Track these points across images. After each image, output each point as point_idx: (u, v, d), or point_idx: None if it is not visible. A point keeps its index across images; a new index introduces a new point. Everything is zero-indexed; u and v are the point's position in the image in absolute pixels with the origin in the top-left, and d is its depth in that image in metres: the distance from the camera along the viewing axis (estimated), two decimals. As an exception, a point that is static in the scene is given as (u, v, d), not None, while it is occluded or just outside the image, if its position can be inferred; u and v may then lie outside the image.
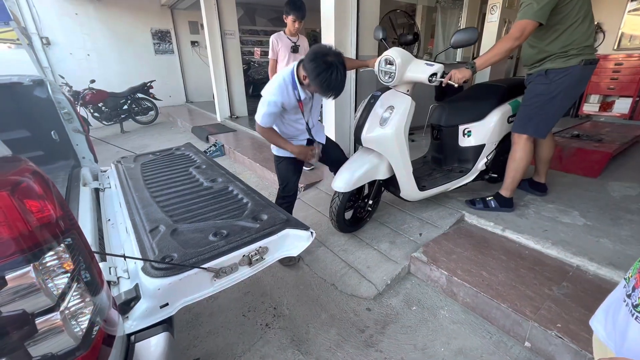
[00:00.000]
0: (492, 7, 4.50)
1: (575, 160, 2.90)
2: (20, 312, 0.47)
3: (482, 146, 2.15)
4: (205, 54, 7.59)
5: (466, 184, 2.24)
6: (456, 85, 1.74)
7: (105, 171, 1.85)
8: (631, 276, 0.78)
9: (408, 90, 1.87)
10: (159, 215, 1.14)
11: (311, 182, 3.03)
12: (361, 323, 1.61)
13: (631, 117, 4.82)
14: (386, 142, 1.84)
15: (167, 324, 0.79)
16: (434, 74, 1.71)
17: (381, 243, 2.10)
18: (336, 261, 2.03)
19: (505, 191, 2.07)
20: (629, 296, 0.80)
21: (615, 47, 5.17)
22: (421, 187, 2.06)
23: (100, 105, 6.06)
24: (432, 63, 1.75)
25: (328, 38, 2.83)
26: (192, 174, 1.55)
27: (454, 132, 2.22)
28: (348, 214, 2.14)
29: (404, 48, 4.31)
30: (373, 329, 1.57)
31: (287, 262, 2.03)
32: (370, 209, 2.18)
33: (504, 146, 2.25)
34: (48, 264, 0.50)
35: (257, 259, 0.96)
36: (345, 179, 1.87)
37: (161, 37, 8.38)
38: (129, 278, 0.92)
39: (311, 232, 1.04)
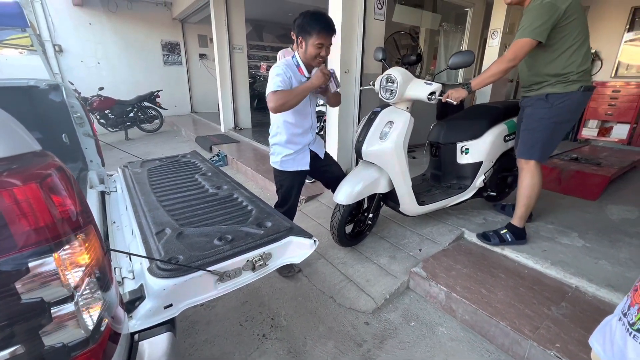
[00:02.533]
0: (493, 33, 4.65)
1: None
2: (39, 300, 0.49)
3: (479, 163, 2.20)
4: (213, 66, 7.77)
5: (465, 200, 2.27)
6: (455, 103, 1.81)
7: (111, 175, 1.88)
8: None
9: (407, 108, 1.95)
10: (165, 218, 1.16)
11: (312, 195, 3.05)
12: (359, 337, 1.60)
13: (629, 142, 4.89)
14: (386, 155, 1.89)
15: (170, 325, 0.80)
16: (433, 93, 1.79)
17: (381, 257, 2.11)
18: (335, 274, 2.03)
19: (518, 220, 2.01)
20: (625, 315, 0.81)
21: (613, 75, 5.31)
22: (420, 202, 2.09)
23: (107, 112, 6.16)
24: (431, 82, 1.83)
25: (335, 57, 2.92)
26: (197, 181, 1.58)
27: (452, 150, 2.27)
28: (348, 228, 2.16)
29: (407, 68, 4.42)
30: (371, 343, 1.56)
31: (286, 273, 2.02)
32: (370, 222, 2.20)
33: (500, 164, 2.32)
34: (66, 256, 0.52)
35: (260, 265, 0.98)
36: (346, 192, 1.90)
37: (171, 48, 8.60)
38: (133, 279, 0.93)
39: (314, 240, 1.06)
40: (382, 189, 2.00)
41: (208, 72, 9.09)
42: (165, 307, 0.83)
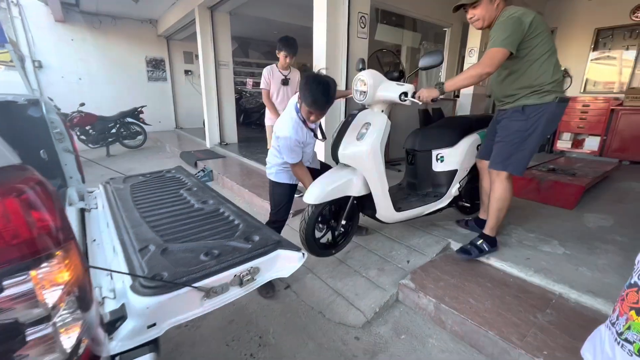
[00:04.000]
0: (470, 51, 4.88)
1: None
2: (12, 321, 0.46)
3: (454, 171, 2.25)
4: (198, 82, 7.77)
5: (441, 208, 2.29)
6: (425, 102, 1.83)
7: (92, 192, 1.82)
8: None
9: (383, 110, 1.96)
10: (149, 235, 1.13)
11: (301, 209, 3.03)
12: (350, 352, 1.57)
13: (600, 153, 5.15)
14: (362, 156, 1.87)
15: (153, 345, 0.77)
16: (404, 93, 1.80)
17: (369, 270, 2.10)
18: (324, 288, 2.00)
19: (490, 230, 2.04)
20: (613, 324, 0.84)
21: (582, 91, 5.64)
22: (397, 209, 2.08)
23: (87, 128, 6.02)
24: (403, 84, 1.85)
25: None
26: (183, 196, 1.55)
27: (427, 157, 2.32)
28: (324, 238, 2.12)
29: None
30: (362, 358, 1.53)
31: (265, 294, 1.95)
32: (343, 229, 2.10)
33: (473, 175, 2.37)
34: (44, 274, 0.50)
35: (248, 279, 0.96)
36: (316, 192, 1.83)
37: (155, 64, 8.58)
38: (114, 298, 0.89)
39: (302, 253, 1.05)
40: (357, 191, 1.95)
41: (193, 88, 9.08)
42: (149, 327, 0.80)
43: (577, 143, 5.44)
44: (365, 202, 2.04)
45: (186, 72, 9.12)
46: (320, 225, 2.06)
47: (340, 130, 2.00)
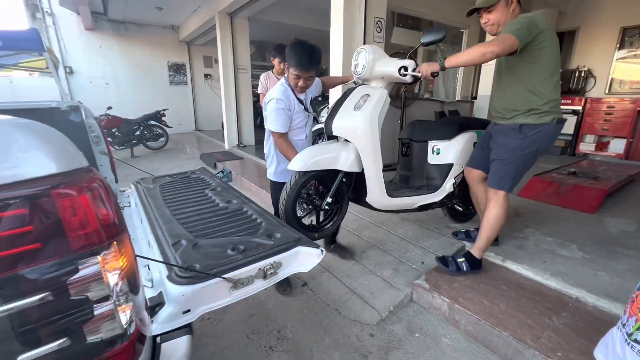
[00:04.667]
0: (488, 52, 4.83)
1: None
2: (84, 298, 0.55)
3: (450, 166, 2.19)
4: (217, 86, 8.01)
5: (434, 203, 2.20)
6: (424, 76, 1.71)
7: (124, 191, 1.96)
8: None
9: (382, 87, 1.86)
10: (180, 230, 1.22)
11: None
12: (364, 348, 1.62)
13: (627, 156, 4.97)
14: (358, 127, 1.77)
15: (188, 328, 0.86)
16: (404, 67, 1.72)
17: (384, 270, 2.15)
18: (339, 287, 2.06)
19: (477, 251, 1.95)
20: (624, 325, 0.86)
21: (607, 91, 5.46)
22: (389, 194, 1.97)
23: (114, 130, 6.32)
24: (403, 59, 1.78)
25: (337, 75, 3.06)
26: (208, 195, 1.66)
27: (423, 148, 2.26)
28: (308, 223, 1.98)
29: (406, 87, 4.55)
30: (376, 354, 1.59)
31: (282, 291, 2.02)
32: (327, 207, 1.86)
33: None
34: (107, 259, 0.59)
35: (271, 273, 1.04)
36: (303, 159, 1.70)
37: (177, 69, 8.90)
38: (152, 287, 0.99)
39: (321, 250, 1.12)
40: (348, 166, 1.79)
41: (212, 91, 9.36)
42: (184, 313, 0.88)
43: (601, 145, 5.27)
44: (356, 185, 1.91)
45: (206, 76, 9.42)
46: (305, 206, 1.91)
47: (337, 102, 1.90)
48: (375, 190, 1.89)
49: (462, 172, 2.22)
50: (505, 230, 2.43)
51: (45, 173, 0.53)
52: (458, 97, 6.08)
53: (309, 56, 1.73)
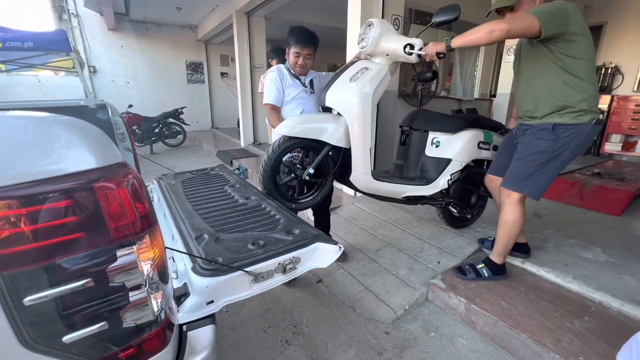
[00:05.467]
0: (508, 49, 4.70)
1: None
2: (121, 285, 0.59)
3: (447, 161, 2.06)
4: (233, 84, 8.12)
5: (424, 197, 2.08)
6: (429, 56, 1.62)
7: (147, 186, 2.03)
8: None
9: (385, 64, 1.77)
10: (202, 225, 1.26)
11: (331, 208, 3.12)
12: (379, 346, 1.63)
13: (655, 157, 4.75)
14: (351, 98, 1.69)
15: (212, 319, 0.89)
16: (410, 45, 1.64)
17: (399, 269, 2.14)
18: (355, 284, 2.07)
19: (497, 257, 1.86)
20: None
21: (635, 89, 5.23)
22: (375, 177, 1.87)
23: (134, 127, 6.51)
24: (412, 38, 1.69)
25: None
26: (227, 192, 1.69)
27: (423, 138, 2.13)
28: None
29: (423, 85, 4.47)
30: (391, 352, 1.59)
31: (288, 283, 2.05)
32: (307, 178, 1.74)
33: (469, 175, 2.17)
34: (141, 249, 0.63)
35: (290, 268, 1.06)
36: (290, 124, 1.65)
37: (194, 68, 9.08)
38: (177, 278, 1.03)
39: (339, 247, 1.14)
40: (336, 139, 1.71)
41: (229, 89, 9.50)
42: (208, 303, 0.92)
43: (628, 145, 5.05)
44: (343, 161, 1.81)
45: (222, 74, 9.56)
46: (287, 173, 1.82)
47: (334, 75, 1.83)
48: (360, 169, 1.78)
49: (461, 172, 2.10)
50: (524, 232, 2.38)
51: (86, 167, 0.57)
52: (476, 95, 5.95)
53: (307, 35, 1.88)
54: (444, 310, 1.86)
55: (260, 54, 6.21)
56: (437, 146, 2.08)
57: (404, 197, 2.02)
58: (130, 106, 6.69)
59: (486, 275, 1.87)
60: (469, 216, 2.42)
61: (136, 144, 6.68)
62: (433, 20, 1.70)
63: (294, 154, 1.85)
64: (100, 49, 7.57)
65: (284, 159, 1.73)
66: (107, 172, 0.59)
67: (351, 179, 1.80)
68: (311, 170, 1.73)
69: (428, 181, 2.07)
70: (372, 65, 1.75)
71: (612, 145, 5.18)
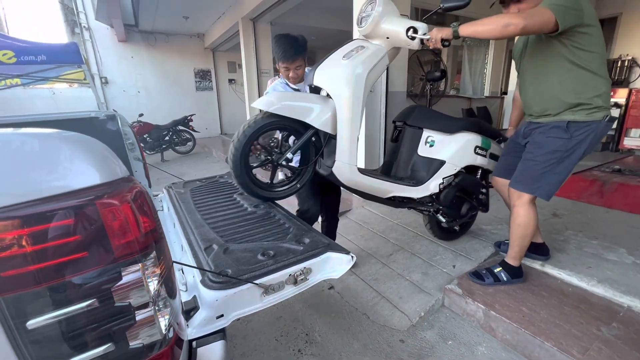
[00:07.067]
0: (519, 45, 4.60)
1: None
2: (127, 304, 0.57)
3: (441, 163, 1.91)
4: (241, 90, 8.19)
5: (412, 199, 1.92)
6: (434, 42, 1.49)
7: (156, 195, 2.03)
8: None
9: (384, 46, 1.63)
10: (211, 235, 1.25)
11: (341, 212, 3.09)
12: (395, 355, 1.58)
13: (679, 151, 4.56)
14: (340, 76, 1.53)
15: (222, 333, 0.86)
16: (413, 28, 1.49)
17: (413, 274, 2.09)
18: (367, 290, 2.03)
19: (512, 260, 1.80)
20: None
21: (654, 81, 5.04)
22: (360, 170, 1.69)
23: (145, 136, 6.62)
24: (416, 21, 1.54)
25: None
26: (236, 200, 1.68)
27: (416, 135, 1.95)
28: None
29: (431, 85, 4.42)
30: (407, 361, 1.54)
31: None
32: (285, 163, 1.58)
33: (463, 181, 2.00)
34: (147, 266, 0.61)
35: (302, 279, 1.03)
36: (270, 99, 1.46)
37: (202, 75, 9.20)
38: (186, 290, 1.01)
39: (351, 256, 1.10)
40: (321, 123, 1.52)
41: (236, 95, 9.58)
42: (217, 317, 0.89)
43: (649, 140, 4.86)
44: (327, 148, 1.66)
45: (230, 80, 9.66)
46: (263, 156, 1.63)
47: (328, 54, 1.65)
48: (344, 159, 1.59)
49: (454, 177, 1.97)
50: (542, 233, 2.29)
51: (90, 184, 0.55)
52: (487, 93, 5.83)
53: (292, 46, 1.77)
54: (462, 317, 1.79)
55: (267, 59, 6.24)
56: (431, 145, 1.92)
57: (390, 198, 1.85)
58: (141, 115, 6.81)
59: (505, 279, 1.80)
60: (457, 228, 2.29)
61: (148, 152, 6.80)
62: (441, 5, 1.53)
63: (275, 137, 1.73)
64: (112, 60, 7.74)
65: (260, 140, 1.55)
66: (111, 187, 0.57)
67: (334, 169, 1.61)
68: (289, 155, 1.55)
69: (418, 182, 1.91)
70: (369, 45, 1.60)
71: (632, 140, 4.98)
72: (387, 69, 3.11)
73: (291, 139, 1.70)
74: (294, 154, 1.57)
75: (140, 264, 0.58)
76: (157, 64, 8.38)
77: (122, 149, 1.90)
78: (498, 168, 1.97)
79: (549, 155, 1.57)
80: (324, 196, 2.09)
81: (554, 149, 1.56)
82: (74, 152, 0.57)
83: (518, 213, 1.69)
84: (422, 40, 1.49)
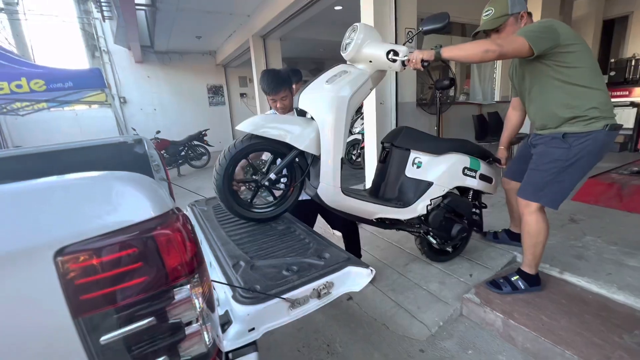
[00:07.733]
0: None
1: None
2: (178, 321, 0.65)
3: (428, 184, 1.90)
4: (252, 103, 8.41)
5: (399, 221, 1.91)
6: (414, 64, 1.56)
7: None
8: None
9: (367, 70, 1.66)
10: (237, 252, 1.33)
11: (355, 222, 3.14)
12: (415, 365, 1.61)
13: (701, 150, 4.43)
14: (324, 99, 1.55)
15: (255, 346, 0.93)
16: (393, 51, 1.54)
17: (430, 283, 2.12)
18: (385, 300, 2.07)
19: (528, 268, 1.82)
20: None
21: (671, 79, 4.94)
22: (345, 192, 1.68)
23: (162, 152, 6.87)
24: (398, 45, 1.60)
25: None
26: (257, 216, 1.76)
27: (403, 157, 1.94)
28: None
29: (440, 93, 4.44)
30: (428, 371, 1.57)
31: None
32: (267, 184, 1.60)
33: (452, 202, 1.99)
34: (194, 286, 0.69)
35: (325, 293, 1.09)
36: (254, 122, 1.49)
37: (215, 91, 9.50)
38: (218, 305, 1.09)
39: (371, 270, 1.16)
40: (302, 144, 1.54)
41: (248, 109, 9.82)
42: (249, 331, 0.97)
43: (669, 139, 4.74)
44: (311, 171, 1.68)
45: (241, 95, 9.94)
46: (248, 176, 1.69)
47: (314, 78, 1.69)
48: (328, 180, 1.60)
49: (442, 198, 1.96)
50: (560, 239, 2.29)
51: (147, 217, 0.64)
52: (497, 98, 5.82)
53: (274, 80, 1.93)
54: (480, 326, 1.81)
55: (277, 73, 6.41)
56: (418, 167, 1.92)
57: (377, 219, 1.86)
58: (158, 132, 7.08)
59: (522, 287, 1.82)
60: (449, 249, 2.26)
61: (164, 167, 7.05)
62: (421, 28, 1.64)
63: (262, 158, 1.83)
64: (129, 80, 8.11)
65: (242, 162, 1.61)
66: (163, 219, 0.65)
67: (319, 192, 1.62)
68: (272, 176, 1.58)
69: (405, 204, 1.89)
70: (352, 70, 1.65)
71: (651, 139, 4.87)
72: (396, 81, 3.19)
73: (278, 162, 1.69)
74: (277, 174, 1.60)
75: (189, 285, 0.66)
76: (172, 82, 8.71)
77: (148, 170, 2.02)
78: (509, 170, 2.10)
79: (551, 164, 1.63)
80: (333, 215, 2.09)
81: (555, 158, 1.63)
82: (130, 190, 0.66)
83: (527, 222, 1.73)
84: (403, 62, 1.56)
